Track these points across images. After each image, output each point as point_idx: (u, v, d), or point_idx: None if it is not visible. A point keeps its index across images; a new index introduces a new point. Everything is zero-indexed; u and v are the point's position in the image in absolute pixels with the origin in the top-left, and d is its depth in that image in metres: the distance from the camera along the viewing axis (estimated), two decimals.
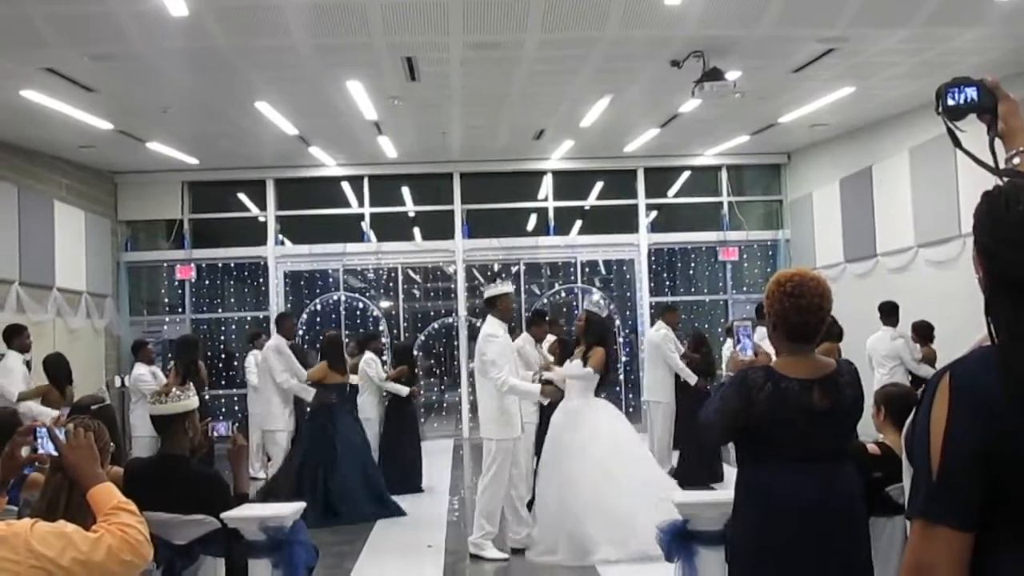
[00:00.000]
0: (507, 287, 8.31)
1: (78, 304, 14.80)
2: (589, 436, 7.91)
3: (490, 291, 8.29)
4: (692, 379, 11.13)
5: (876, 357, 10.73)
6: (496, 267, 17.90)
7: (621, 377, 16.88)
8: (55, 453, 3.19)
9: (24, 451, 3.25)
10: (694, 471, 10.66)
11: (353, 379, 11.39)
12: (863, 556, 3.48)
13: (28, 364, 10.17)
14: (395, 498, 10.33)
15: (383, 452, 11.37)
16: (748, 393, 3.49)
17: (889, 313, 10.97)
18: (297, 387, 10.37)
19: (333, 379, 10.29)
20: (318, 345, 11.94)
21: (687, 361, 11.38)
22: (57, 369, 9.71)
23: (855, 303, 14.23)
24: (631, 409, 16.76)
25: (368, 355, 11.71)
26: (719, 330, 16.35)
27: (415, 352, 15.07)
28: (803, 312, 3.50)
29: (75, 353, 14.09)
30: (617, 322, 16.94)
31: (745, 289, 17.29)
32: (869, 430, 4.39)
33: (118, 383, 12.80)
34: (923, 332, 10.91)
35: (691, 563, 4.33)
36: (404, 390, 11.48)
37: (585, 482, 7.66)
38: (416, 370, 12.01)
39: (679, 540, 4.38)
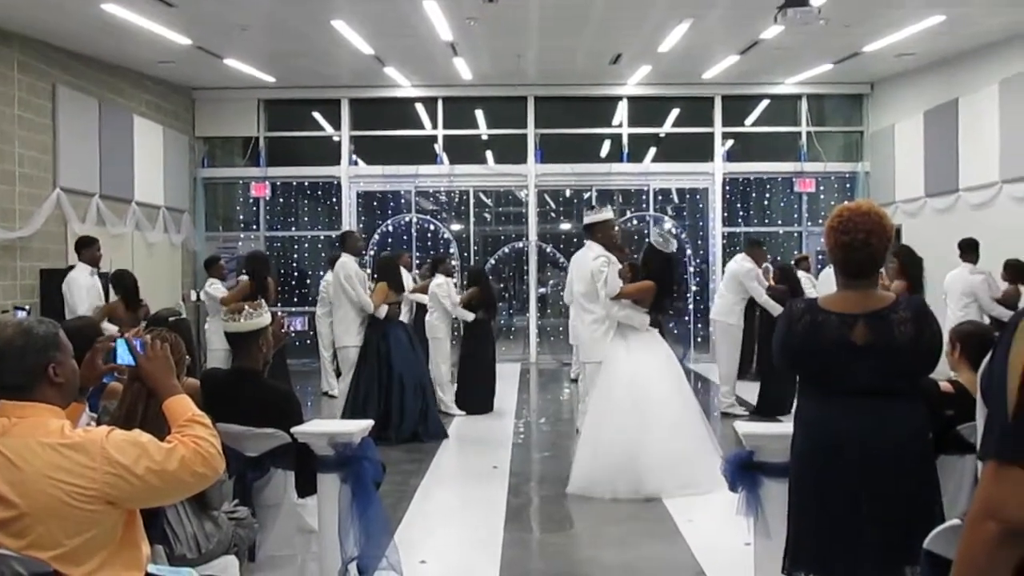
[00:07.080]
0: (607, 213, 7.96)
1: (156, 218, 15.09)
2: (632, 378, 7.59)
3: (590, 217, 7.94)
4: (776, 311, 10.89)
5: (952, 294, 10.43)
6: (568, 193, 17.81)
7: (691, 307, 16.81)
8: (133, 363, 3.27)
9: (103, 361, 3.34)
10: (773, 402, 10.64)
11: (421, 298, 11.52)
12: (911, 497, 3.39)
13: (105, 276, 10.16)
14: (467, 418, 10.98)
15: (460, 373, 11.68)
16: (788, 324, 3.56)
17: (968, 250, 10.62)
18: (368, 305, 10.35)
19: (391, 299, 10.22)
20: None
21: (771, 294, 11.16)
22: (124, 285, 9.21)
23: (934, 238, 13.92)
24: (699, 339, 16.73)
25: (440, 278, 11.63)
26: (792, 263, 16.13)
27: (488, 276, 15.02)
28: (846, 248, 3.50)
29: (152, 267, 14.44)
30: (688, 251, 16.79)
31: (820, 222, 16.94)
32: (943, 368, 4.32)
33: (194, 297, 13.02)
34: (1018, 270, 10.35)
35: (755, 493, 4.32)
36: (470, 316, 11.48)
37: (632, 420, 7.42)
38: (489, 294, 11.94)
39: (744, 470, 4.37)
